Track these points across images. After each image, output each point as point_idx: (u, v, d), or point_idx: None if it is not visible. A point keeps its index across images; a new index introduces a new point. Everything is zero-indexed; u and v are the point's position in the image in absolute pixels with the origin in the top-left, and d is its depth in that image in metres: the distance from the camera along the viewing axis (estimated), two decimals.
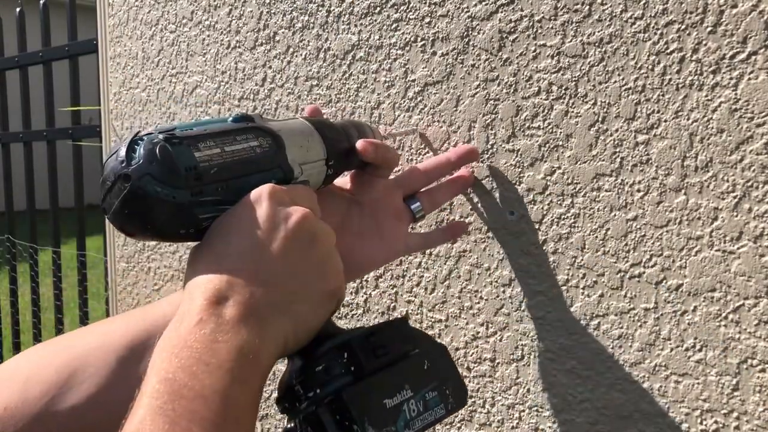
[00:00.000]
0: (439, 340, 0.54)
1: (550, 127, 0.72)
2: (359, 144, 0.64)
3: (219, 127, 0.52)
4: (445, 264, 0.82)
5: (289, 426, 0.47)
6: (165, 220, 0.46)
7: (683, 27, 0.64)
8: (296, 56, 0.93)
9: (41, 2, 1.96)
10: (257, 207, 0.48)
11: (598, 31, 0.68)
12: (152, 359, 0.41)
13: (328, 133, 0.61)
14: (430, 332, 0.83)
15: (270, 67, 0.96)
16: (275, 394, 0.49)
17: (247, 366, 0.41)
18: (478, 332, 0.80)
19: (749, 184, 0.62)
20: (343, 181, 0.71)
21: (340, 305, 0.53)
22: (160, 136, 0.46)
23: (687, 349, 0.67)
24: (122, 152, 0.45)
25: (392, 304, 0.87)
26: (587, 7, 0.69)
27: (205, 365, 0.39)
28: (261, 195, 0.49)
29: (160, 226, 0.46)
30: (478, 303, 0.79)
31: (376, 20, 0.84)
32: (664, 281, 0.67)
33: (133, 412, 0.38)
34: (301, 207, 0.50)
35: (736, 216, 0.63)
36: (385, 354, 0.48)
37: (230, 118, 0.53)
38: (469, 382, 0.81)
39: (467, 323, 0.80)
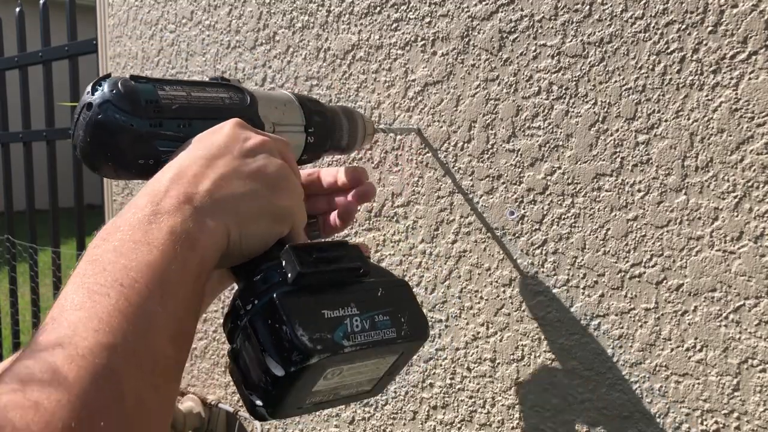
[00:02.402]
0: (402, 278, 0.50)
1: (550, 126, 0.72)
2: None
3: (192, 80, 0.53)
4: (445, 264, 0.81)
5: (230, 348, 0.44)
6: (124, 147, 0.47)
7: (683, 27, 0.64)
8: (296, 56, 0.93)
9: (41, 2, 1.96)
10: (219, 130, 0.49)
11: (599, 31, 0.68)
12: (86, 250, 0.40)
13: (310, 104, 0.62)
14: (430, 333, 0.83)
15: (270, 67, 0.96)
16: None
17: (181, 247, 0.39)
18: (478, 332, 0.80)
19: (750, 184, 0.62)
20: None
21: (297, 236, 0.51)
22: (127, 76, 0.48)
23: (687, 350, 0.66)
24: (89, 87, 0.48)
25: None
26: (587, 6, 0.69)
27: (134, 243, 0.38)
28: (225, 123, 0.49)
29: (119, 153, 0.47)
30: (479, 303, 0.79)
31: (376, 20, 0.84)
32: (665, 281, 0.67)
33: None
34: (265, 137, 0.50)
35: (737, 216, 0.63)
36: (328, 266, 0.44)
37: (210, 78, 0.55)
38: (469, 382, 0.81)
39: (467, 323, 0.80)
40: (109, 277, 0.36)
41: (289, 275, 0.43)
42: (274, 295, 0.42)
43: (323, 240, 0.51)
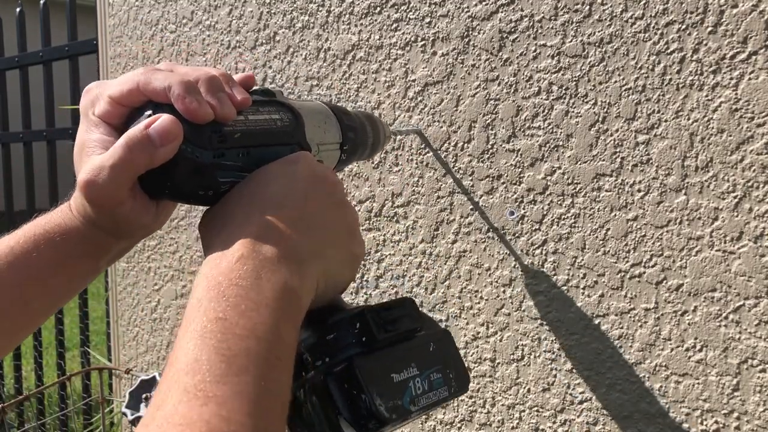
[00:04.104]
0: (443, 326, 0.53)
1: (550, 127, 0.72)
2: None
3: None
4: (445, 264, 0.82)
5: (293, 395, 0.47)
6: (186, 178, 0.46)
7: (683, 27, 0.64)
8: (296, 56, 0.93)
9: (41, 2, 1.96)
10: (296, 164, 0.48)
11: (599, 31, 0.68)
12: (196, 295, 0.41)
13: (345, 119, 0.62)
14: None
15: (270, 67, 0.96)
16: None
17: (290, 304, 0.41)
18: (478, 332, 0.80)
19: (750, 184, 0.62)
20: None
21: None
22: None
23: (687, 350, 0.67)
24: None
25: None
26: (587, 7, 0.69)
27: (253, 303, 0.40)
28: (299, 155, 0.49)
29: (180, 183, 0.46)
30: (479, 303, 0.79)
31: (376, 20, 0.84)
32: (665, 281, 0.67)
33: (180, 348, 0.38)
34: (335, 176, 0.51)
35: (737, 216, 0.63)
36: (395, 329, 0.47)
37: (251, 91, 0.53)
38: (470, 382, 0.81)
39: (467, 323, 0.80)
40: (241, 344, 0.38)
41: (364, 339, 0.45)
42: (353, 361, 0.44)
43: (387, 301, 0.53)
